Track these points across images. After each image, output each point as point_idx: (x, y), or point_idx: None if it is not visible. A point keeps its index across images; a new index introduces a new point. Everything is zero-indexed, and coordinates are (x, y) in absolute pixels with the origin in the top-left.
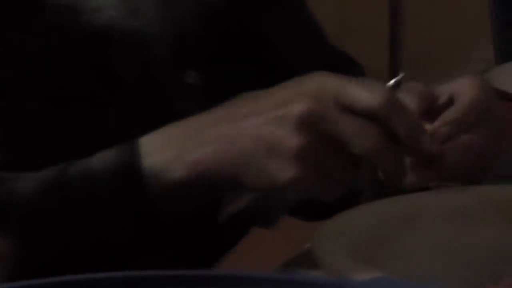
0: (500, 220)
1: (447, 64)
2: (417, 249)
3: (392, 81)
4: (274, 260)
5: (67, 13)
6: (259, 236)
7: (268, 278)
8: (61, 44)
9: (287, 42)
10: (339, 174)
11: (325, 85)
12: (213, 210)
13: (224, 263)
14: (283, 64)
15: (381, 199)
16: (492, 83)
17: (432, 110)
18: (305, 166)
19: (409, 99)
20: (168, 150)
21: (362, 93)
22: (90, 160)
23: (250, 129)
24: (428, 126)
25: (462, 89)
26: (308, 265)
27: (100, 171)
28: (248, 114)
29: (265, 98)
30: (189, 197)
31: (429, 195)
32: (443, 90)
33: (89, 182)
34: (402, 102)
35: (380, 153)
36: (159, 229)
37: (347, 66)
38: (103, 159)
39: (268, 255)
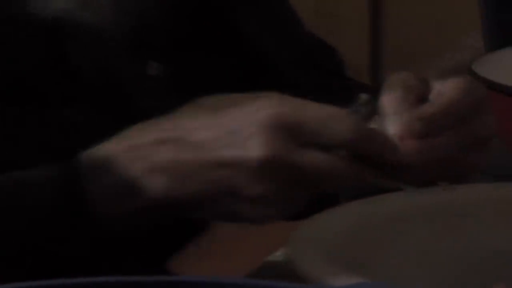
0: (487, 220)
1: (434, 52)
2: (400, 252)
3: (357, 104)
4: (246, 265)
5: (16, 3)
6: (232, 240)
7: (238, 284)
8: (11, 36)
9: (261, 30)
10: (302, 199)
11: (284, 116)
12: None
13: (196, 268)
14: (256, 53)
15: (362, 198)
16: (480, 72)
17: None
18: (270, 205)
19: (396, 93)
20: (114, 175)
21: (327, 128)
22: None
23: (205, 170)
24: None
25: (445, 89)
26: (283, 271)
27: (37, 195)
28: (201, 141)
29: (220, 119)
30: (133, 221)
31: (412, 194)
32: (435, 86)
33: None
34: (368, 129)
35: (351, 182)
36: (107, 240)
37: (326, 55)
38: (41, 180)
39: (240, 259)
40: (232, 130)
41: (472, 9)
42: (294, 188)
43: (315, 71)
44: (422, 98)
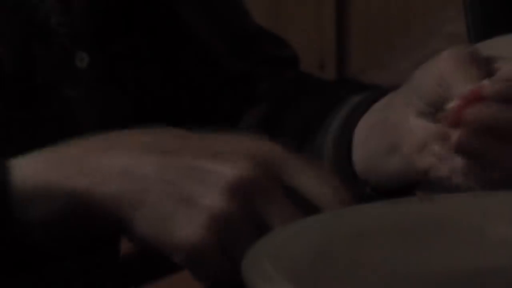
0: (466, 235)
1: (407, 40)
2: (372, 271)
3: None
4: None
5: None
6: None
7: None
8: None
9: (197, 17)
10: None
11: (274, 152)
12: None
13: None
14: (191, 43)
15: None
16: None
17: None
18: (216, 234)
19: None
20: (45, 175)
21: (311, 186)
22: None
23: (158, 171)
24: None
25: None
26: None
27: None
28: (174, 149)
29: (202, 140)
30: (62, 230)
31: (385, 206)
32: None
33: None
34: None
35: None
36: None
37: (272, 46)
38: None
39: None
40: (214, 150)
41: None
42: (245, 227)
43: (255, 60)
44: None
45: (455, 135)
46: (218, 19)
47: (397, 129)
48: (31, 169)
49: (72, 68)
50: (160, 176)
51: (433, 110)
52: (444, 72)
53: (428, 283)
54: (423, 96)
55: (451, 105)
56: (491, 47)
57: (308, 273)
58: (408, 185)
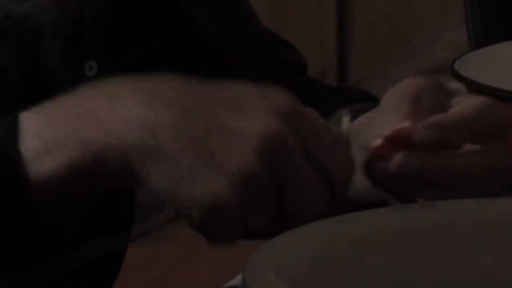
0: (468, 241)
1: (409, 47)
2: (373, 278)
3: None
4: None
5: None
6: (196, 256)
7: None
8: None
9: (208, 24)
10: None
11: (292, 110)
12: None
13: None
14: (203, 50)
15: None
16: (463, 71)
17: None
18: (239, 192)
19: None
20: (53, 126)
21: (332, 157)
22: None
23: (180, 125)
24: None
25: (467, 103)
26: None
27: None
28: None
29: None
30: (73, 190)
31: (386, 213)
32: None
33: None
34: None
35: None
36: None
37: (282, 52)
38: None
39: (204, 279)
40: (236, 105)
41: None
42: (268, 194)
43: (267, 66)
44: (439, 109)
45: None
46: (231, 26)
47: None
48: (41, 122)
49: (81, 77)
50: (182, 131)
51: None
52: (384, 104)
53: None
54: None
55: (374, 144)
56: (491, 53)
57: (309, 280)
58: (380, 199)
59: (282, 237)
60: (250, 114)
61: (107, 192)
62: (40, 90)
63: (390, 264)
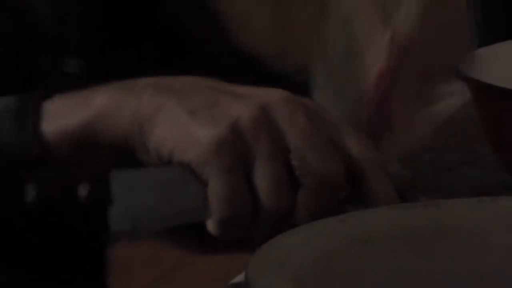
0: (471, 239)
1: None
2: (375, 278)
3: None
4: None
5: None
6: (184, 269)
7: None
8: None
9: (204, 34)
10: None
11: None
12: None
13: None
14: (197, 60)
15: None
16: (466, 71)
17: None
18: (238, 137)
19: None
20: (78, 94)
21: (356, 141)
22: None
23: (178, 101)
24: None
25: None
26: None
27: None
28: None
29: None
30: (87, 147)
31: (389, 211)
32: None
33: None
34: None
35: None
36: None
37: (271, 63)
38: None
39: (205, 278)
40: (238, 92)
41: None
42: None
43: (258, 76)
44: None
45: None
46: (224, 35)
47: None
48: (61, 97)
49: (66, 74)
50: (189, 88)
51: None
52: None
53: (431, 286)
54: None
55: None
56: (493, 53)
57: (311, 279)
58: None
59: (285, 236)
60: (261, 89)
61: (115, 160)
62: (20, 83)
63: (392, 263)
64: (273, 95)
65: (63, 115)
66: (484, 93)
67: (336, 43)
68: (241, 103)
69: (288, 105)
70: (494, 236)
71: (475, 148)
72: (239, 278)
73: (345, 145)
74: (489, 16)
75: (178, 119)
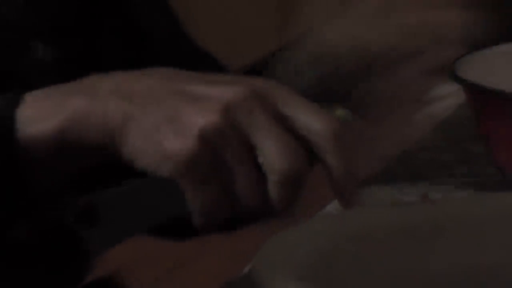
0: (469, 235)
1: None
2: (375, 273)
3: None
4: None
5: None
6: (197, 254)
7: None
8: None
9: (155, 26)
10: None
11: (266, 85)
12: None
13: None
14: (142, 39)
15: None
16: (461, 73)
17: None
18: (206, 147)
19: None
20: (48, 99)
21: (309, 115)
22: None
23: (149, 90)
24: None
25: None
26: None
27: None
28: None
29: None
30: (60, 153)
31: (388, 208)
32: None
33: None
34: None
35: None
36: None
37: (212, 67)
38: None
39: (205, 277)
40: (210, 79)
41: None
42: (235, 149)
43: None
44: None
45: None
46: (180, 36)
47: None
48: (40, 95)
49: (34, 59)
50: (151, 94)
51: None
52: None
53: (430, 283)
54: None
55: None
56: (489, 56)
57: (314, 274)
58: None
59: (288, 232)
60: (220, 85)
61: (91, 165)
62: None
63: (391, 259)
64: (230, 93)
65: (37, 120)
66: (478, 94)
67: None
68: (203, 108)
69: (246, 103)
70: (490, 232)
71: (469, 147)
72: (239, 275)
73: (299, 123)
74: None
75: (146, 133)
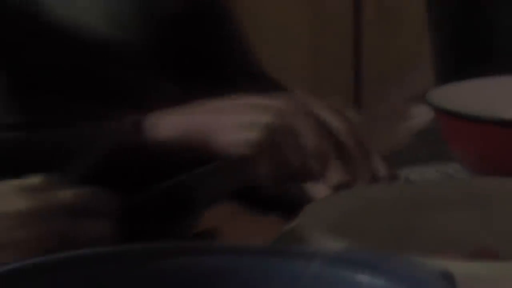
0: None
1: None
2: (381, 230)
3: None
4: (267, 236)
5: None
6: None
7: (256, 249)
8: (41, 45)
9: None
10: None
11: (308, 98)
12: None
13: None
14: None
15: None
16: (437, 103)
17: None
18: (269, 135)
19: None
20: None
21: (331, 116)
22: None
23: (238, 103)
24: None
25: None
26: (296, 238)
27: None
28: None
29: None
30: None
31: (388, 187)
32: None
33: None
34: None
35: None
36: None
37: (275, 87)
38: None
39: (262, 232)
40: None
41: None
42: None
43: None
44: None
45: None
46: (247, 64)
47: None
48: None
49: (158, 90)
50: (232, 107)
51: None
52: None
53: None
54: None
55: None
56: (452, 88)
57: (340, 229)
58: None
59: (321, 200)
60: (277, 98)
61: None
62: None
63: (390, 222)
64: (283, 103)
65: (169, 123)
66: (446, 115)
67: None
68: (267, 112)
69: (293, 109)
70: (454, 204)
71: (440, 149)
72: (291, 226)
73: (326, 121)
74: (447, 62)
75: (231, 129)
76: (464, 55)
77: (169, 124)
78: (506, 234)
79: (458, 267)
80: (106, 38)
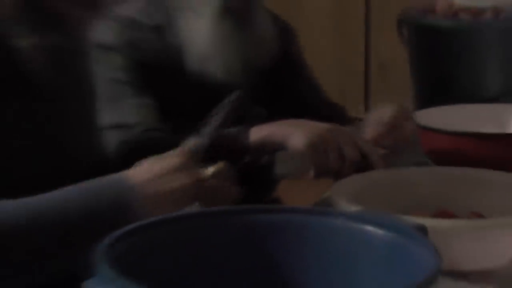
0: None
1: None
2: (391, 199)
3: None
4: (307, 202)
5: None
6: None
7: (298, 209)
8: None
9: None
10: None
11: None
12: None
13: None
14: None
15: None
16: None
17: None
18: (320, 141)
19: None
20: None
21: (367, 146)
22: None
23: (298, 123)
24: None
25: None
26: (327, 205)
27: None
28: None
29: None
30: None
31: (384, 172)
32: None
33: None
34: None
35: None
36: None
37: (341, 116)
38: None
39: (303, 200)
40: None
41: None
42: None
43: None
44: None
45: None
46: (315, 97)
47: None
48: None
49: (254, 117)
50: (295, 124)
51: None
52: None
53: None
54: None
55: None
56: (427, 114)
57: (361, 200)
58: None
59: (349, 179)
60: (328, 125)
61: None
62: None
63: (390, 194)
64: (330, 126)
65: (258, 131)
66: (427, 131)
67: None
68: (323, 128)
69: (342, 132)
70: (427, 184)
71: (418, 153)
72: (326, 195)
73: (361, 147)
74: (425, 89)
75: (292, 131)
76: (433, 90)
77: (258, 131)
78: (461, 201)
79: (427, 222)
80: (223, 82)
